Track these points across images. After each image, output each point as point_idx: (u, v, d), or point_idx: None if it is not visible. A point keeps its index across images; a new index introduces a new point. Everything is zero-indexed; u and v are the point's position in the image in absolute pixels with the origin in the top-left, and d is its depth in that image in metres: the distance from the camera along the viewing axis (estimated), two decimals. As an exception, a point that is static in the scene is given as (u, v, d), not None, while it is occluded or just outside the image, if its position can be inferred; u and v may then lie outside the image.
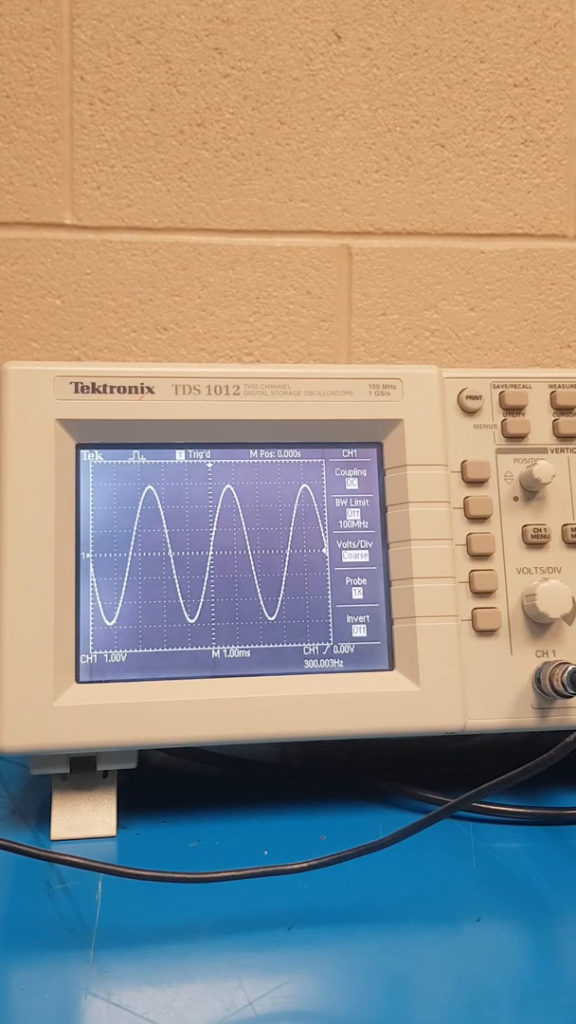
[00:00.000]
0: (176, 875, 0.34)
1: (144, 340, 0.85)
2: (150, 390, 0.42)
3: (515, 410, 0.46)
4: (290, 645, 0.42)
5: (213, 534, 0.43)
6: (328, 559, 0.43)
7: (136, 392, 0.42)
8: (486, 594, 0.43)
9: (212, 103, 0.85)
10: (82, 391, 0.41)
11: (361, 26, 0.86)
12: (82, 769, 0.41)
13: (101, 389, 0.41)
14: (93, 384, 0.41)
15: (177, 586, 0.42)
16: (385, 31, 0.86)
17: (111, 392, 0.42)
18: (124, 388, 0.42)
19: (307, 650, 0.43)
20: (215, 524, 0.43)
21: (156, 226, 0.85)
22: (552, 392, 0.46)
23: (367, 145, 0.87)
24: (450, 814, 0.37)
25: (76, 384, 0.41)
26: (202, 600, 0.42)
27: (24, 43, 0.83)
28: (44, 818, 0.43)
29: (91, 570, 0.42)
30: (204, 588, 0.42)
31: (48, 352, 0.84)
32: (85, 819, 0.41)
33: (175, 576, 0.42)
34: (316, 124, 0.86)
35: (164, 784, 0.45)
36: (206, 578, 0.42)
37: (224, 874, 0.33)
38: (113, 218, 0.85)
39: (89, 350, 0.84)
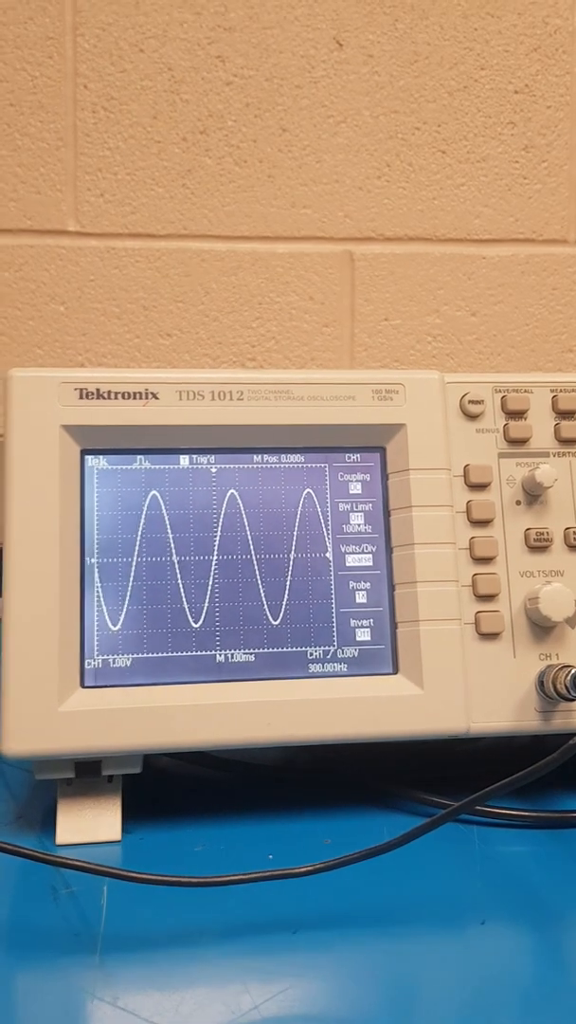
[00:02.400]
0: (181, 879, 0.34)
1: (148, 346, 0.85)
2: (154, 396, 0.42)
3: (517, 414, 0.46)
4: (294, 649, 0.43)
5: (217, 539, 0.43)
6: (332, 563, 0.44)
7: (140, 398, 0.42)
8: (489, 598, 0.44)
9: (215, 111, 0.85)
10: (87, 397, 0.42)
11: (362, 33, 0.86)
12: (87, 774, 0.41)
13: (106, 395, 0.42)
14: (98, 390, 0.42)
15: (181, 591, 0.42)
16: (386, 38, 0.87)
17: (115, 398, 0.42)
18: (128, 394, 0.42)
19: (311, 654, 0.43)
20: (219, 529, 0.43)
21: (159, 233, 0.85)
22: (554, 396, 0.47)
23: (369, 152, 0.87)
24: (454, 817, 0.37)
25: (81, 390, 0.42)
26: (206, 605, 0.42)
27: (28, 52, 0.83)
28: (49, 823, 0.43)
29: (96, 575, 0.42)
30: (208, 593, 0.42)
31: (52, 358, 0.84)
32: (90, 824, 0.41)
33: (179, 581, 0.42)
34: (318, 131, 0.87)
35: (169, 788, 0.45)
36: (210, 583, 0.43)
37: (229, 878, 0.34)
38: (116, 225, 0.85)
39: (93, 356, 0.85)
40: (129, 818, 0.42)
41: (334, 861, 0.34)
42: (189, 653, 0.42)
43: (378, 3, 0.86)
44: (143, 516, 0.43)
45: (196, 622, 0.42)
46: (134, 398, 0.42)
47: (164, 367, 0.41)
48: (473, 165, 0.89)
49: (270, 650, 0.42)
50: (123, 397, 0.42)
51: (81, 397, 0.42)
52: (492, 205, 0.89)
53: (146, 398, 0.42)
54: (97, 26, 0.84)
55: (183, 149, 0.85)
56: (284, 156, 0.86)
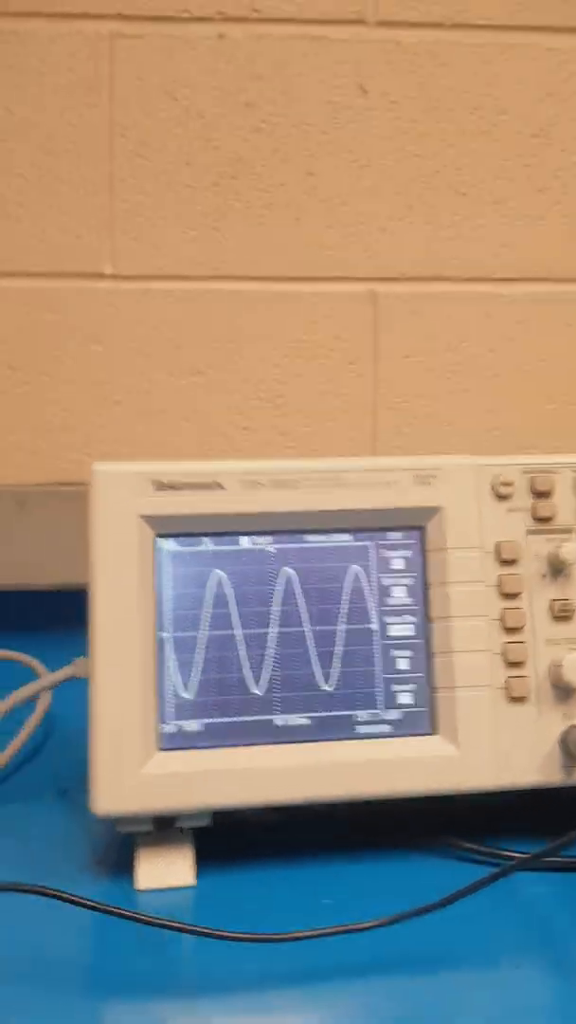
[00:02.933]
0: (252, 936, 0.39)
1: (181, 384, 0.90)
2: (220, 486, 0.47)
3: (543, 495, 0.51)
4: (344, 713, 0.48)
5: (275, 613, 0.48)
6: (377, 633, 0.49)
7: (208, 488, 0.47)
8: (518, 664, 0.49)
9: (244, 156, 0.89)
10: (161, 489, 0.47)
11: (386, 81, 0.90)
12: (163, 826, 0.47)
13: (178, 487, 0.47)
14: (171, 482, 0.47)
15: (244, 661, 0.47)
16: (409, 85, 0.90)
17: (186, 489, 0.47)
18: (198, 485, 0.47)
19: (359, 717, 0.48)
20: (277, 604, 0.48)
21: (191, 275, 0.90)
22: (576, 476, 0.51)
23: (391, 194, 0.91)
24: (523, 869, 0.42)
25: (156, 483, 0.47)
26: (266, 673, 0.48)
27: (67, 100, 0.87)
28: (126, 867, 0.48)
29: (169, 648, 0.47)
30: (268, 662, 0.48)
31: (88, 396, 0.89)
32: (166, 870, 0.47)
33: (242, 652, 0.47)
34: (343, 175, 0.91)
35: (237, 833, 0.50)
36: (269, 653, 0.48)
37: (299, 935, 0.39)
38: (150, 267, 0.89)
39: (128, 394, 0.89)
40: (201, 860, 0.48)
41: (398, 916, 0.40)
42: (252, 717, 0.47)
43: (401, 51, 0.90)
44: (209, 593, 0.48)
45: (258, 689, 0.47)
46: (203, 489, 0.47)
47: (231, 458, 0.45)
48: (491, 206, 0.93)
49: (323, 714, 0.48)
50: (193, 488, 0.47)
51: (156, 489, 0.47)
52: (510, 245, 0.93)
53: (213, 488, 0.47)
54: (133, 76, 0.87)
55: (214, 194, 0.89)
56: (310, 199, 0.90)
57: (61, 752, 0.63)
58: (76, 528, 0.82)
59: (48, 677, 0.52)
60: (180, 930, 0.39)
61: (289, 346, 0.92)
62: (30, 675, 0.71)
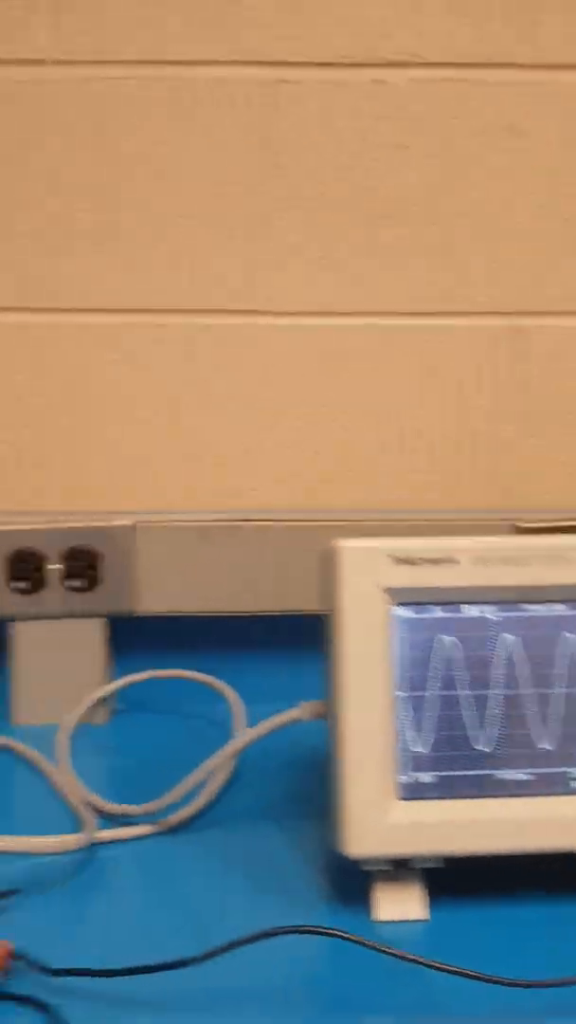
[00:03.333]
0: (498, 980, 0.44)
1: (324, 415, 0.94)
2: (454, 561, 0.52)
3: None
4: (561, 769, 0.53)
5: (497, 676, 0.53)
6: (591, 696, 0.53)
7: (443, 563, 0.52)
8: None
9: (398, 196, 0.92)
10: (400, 563, 0.51)
11: (538, 122, 0.92)
12: (399, 865, 0.52)
13: (415, 562, 0.51)
14: (409, 558, 0.51)
15: (471, 719, 0.52)
16: (561, 126, 0.92)
17: (423, 564, 0.51)
18: (434, 560, 0.52)
19: (574, 774, 0.53)
20: (498, 667, 0.53)
21: (342, 311, 0.94)
22: None
23: (540, 232, 0.94)
24: None
25: (395, 558, 0.51)
26: (490, 731, 0.52)
27: (229, 145, 0.91)
28: (356, 900, 0.53)
29: (403, 706, 0.52)
30: (492, 721, 0.52)
31: (245, 428, 0.93)
32: (402, 905, 0.52)
33: (469, 711, 0.52)
34: (493, 213, 0.93)
35: (469, 870, 0.55)
36: (492, 713, 0.52)
37: (551, 982, 0.44)
38: (301, 304, 0.93)
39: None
40: (434, 896, 0.53)
41: None
42: (478, 772, 0.52)
43: (555, 92, 0.91)
44: (437, 657, 0.52)
45: (483, 746, 0.52)
46: (438, 563, 0.52)
47: (463, 535, 0.50)
48: None
49: (542, 770, 0.53)
50: (429, 563, 0.52)
51: (396, 563, 0.51)
52: None
53: (447, 563, 0.52)
54: (293, 120, 0.91)
55: (368, 232, 0.93)
56: (461, 237, 0.93)
57: (260, 778, 0.68)
58: (253, 559, 0.88)
59: (276, 719, 0.58)
60: (467, 976, 0.44)
61: (432, 380, 0.95)
62: (209, 693, 0.77)
